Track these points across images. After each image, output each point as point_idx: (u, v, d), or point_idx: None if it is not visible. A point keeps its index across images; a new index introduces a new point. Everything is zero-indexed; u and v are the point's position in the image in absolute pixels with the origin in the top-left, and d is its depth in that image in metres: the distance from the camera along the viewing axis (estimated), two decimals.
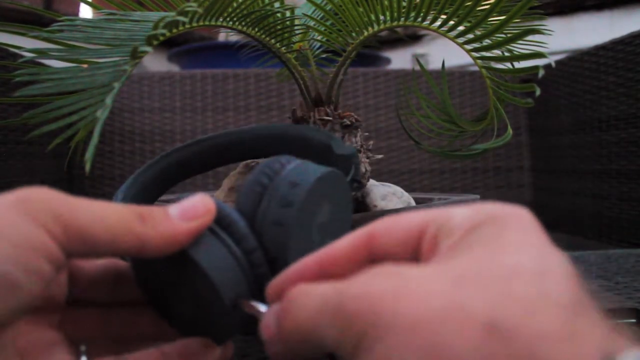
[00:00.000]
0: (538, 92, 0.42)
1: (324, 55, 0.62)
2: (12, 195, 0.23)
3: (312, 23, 0.57)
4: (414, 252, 0.23)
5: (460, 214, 0.22)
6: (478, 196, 0.59)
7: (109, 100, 0.31)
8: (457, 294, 0.19)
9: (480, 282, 0.19)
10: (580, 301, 0.19)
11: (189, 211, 0.25)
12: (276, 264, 0.28)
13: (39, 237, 0.22)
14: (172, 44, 1.69)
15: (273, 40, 0.54)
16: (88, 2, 0.52)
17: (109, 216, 0.24)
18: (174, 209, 0.26)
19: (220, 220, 0.28)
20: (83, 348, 0.27)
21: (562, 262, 0.20)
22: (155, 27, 0.36)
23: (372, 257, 0.23)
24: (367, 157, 0.55)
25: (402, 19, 0.49)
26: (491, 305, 0.18)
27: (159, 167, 0.48)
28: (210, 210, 0.26)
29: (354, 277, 0.21)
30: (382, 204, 0.54)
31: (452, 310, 0.18)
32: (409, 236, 0.23)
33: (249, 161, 0.54)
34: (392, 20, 0.50)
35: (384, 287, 0.19)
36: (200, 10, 0.40)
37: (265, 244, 0.29)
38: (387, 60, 1.65)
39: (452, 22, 0.47)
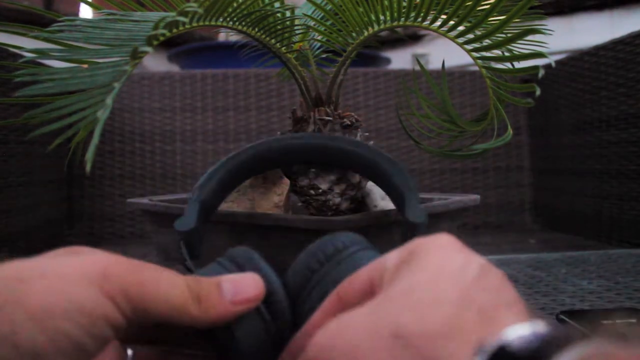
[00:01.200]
0: (538, 92, 0.42)
1: (324, 55, 0.62)
2: (90, 263, 0.25)
3: (312, 23, 0.57)
4: (369, 294, 0.26)
5: (392, 257, 0.26)
6: (478, 196, 0.59)
7: (109, 100, 0.31)
8: (372, 317, 0.23)
9: (390, 302, 0.23)
10: (469, 297, 0.22)
11: (241, 294, 0.28)
12: None
13: (108, 310, 0.24)
14: (172, 44, 1.69)
15: (273, 40, 0.54)
16: (88, 2, 0.52)
17: (172, 298, 0.26)
18: (229, 288, 0.28)
19: (266, 297, 0.31)
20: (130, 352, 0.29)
21: (465, 265, 0.24)
22: (156, 27, 0.36)
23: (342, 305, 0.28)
24: None
25: (402, 19, 0.49)
26: (395, 318, 0.22)
27: (235, 162, 0.47)
28: (259, 295, 0.29)
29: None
30: (382, 204, 0.54)
31: (367, 330, 0.22)
32: (363, 288, 0.27)
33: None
34: (392, 20, 0.50)
35: (327, 330, 0.24)
36: (200, 10, 0.40)
37: (300, 324, 0.31)
38: (387, 60, 1.65)
39: (452, 22, 0.47)
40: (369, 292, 0.26)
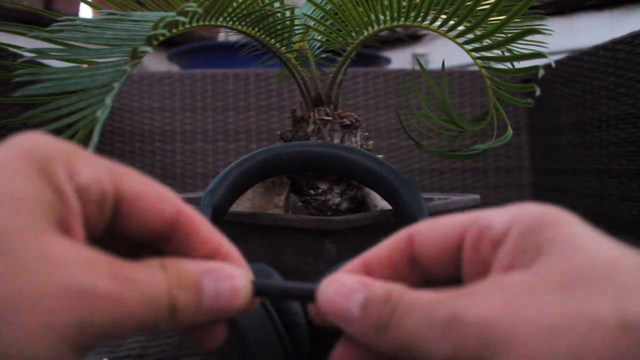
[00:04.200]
0: (538, 92, 0.42)
1: (324, 55, 0.62)
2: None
3: (312, 23, 0.57)
4: (455, 256, 0.23)
5: (501, 220, 0.22)
6: (478, 196, 0.59)
7: (109, 100, 0.31)
8: (573, 299, 0.18)
9: (586, 282, 0.19)
10: None
11: (221, 301, 0.22)
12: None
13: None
14: (172, 44, 1.69)
15: (273, 40, 0.54)
16: (88, 2, 0.52)
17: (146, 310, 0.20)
18: (210, 291, 0.22)
19: (286, 319, 0.31)
20: None
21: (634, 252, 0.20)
22: (155, 27, 0.36)
23: (413, 260, 0.23)
24: None
25: (402, 19, 0.49)
26: (615, 304, 0.18)
27: (248, 165, 0.47)
28: (240, 305, 0.23)
29: (462, 289, 0.20)
30: (382, 204, 0.54)
31: (577, 316, 0.18)
32: (448, 241, 0.23)
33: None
34: (392, 20, 0.50)
35: (499, 299, 0.19)
36: (200, 10, 0.40)
37: (319, 348, 0.32)
38: (387, 60, 1.65)
39: (452, 22, 0.47)
40: (457, 250, 0.22)
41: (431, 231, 0.23)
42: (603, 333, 0.17)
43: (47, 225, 0.19)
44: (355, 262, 0.24)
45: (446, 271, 0.23)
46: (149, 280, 0.20)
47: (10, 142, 0.20)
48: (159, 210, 0.22)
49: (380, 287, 0.22)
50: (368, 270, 0.24)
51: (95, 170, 0.21)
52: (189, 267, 0.22)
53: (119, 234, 0.22)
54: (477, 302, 0.19)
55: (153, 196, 0.22)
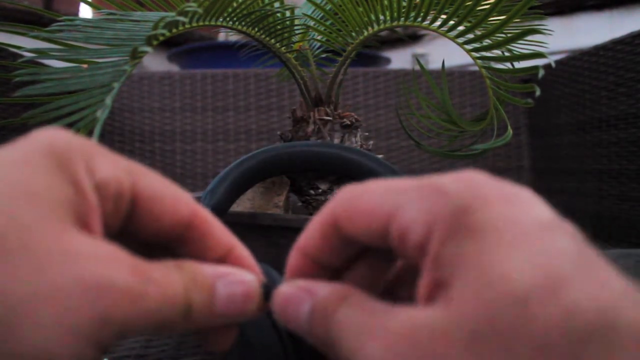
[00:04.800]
0: (538, 92, 0.42)
1: (324, 55, 0.62)
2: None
3: (312, 23, 0.57)
4: (385, 239, 0.20)
5: (421, 222, 0.19)
6: None
7: (108, 100, 0.31)
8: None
9: (493, 337, 0.16)
10: None
11: (234, 305, 0.22)
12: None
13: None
14: (172, 44, 1.69)
15: (273, 40, 0.54)
16: (88, 2, 0.52)
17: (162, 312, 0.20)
18: (222, 295, 0.22)
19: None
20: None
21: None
22: (155, 27, 0.36)
23: (344, 237, 0.22)
24: None
25: (402, 19, 0.49)
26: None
27: (247, 165, 0.47)
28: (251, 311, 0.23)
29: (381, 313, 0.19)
30: None
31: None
32: (373, 229, 0.20)
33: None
34: (392, 20, 0.50)
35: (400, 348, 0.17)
36: (200, 10, 0.40)
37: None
38: (387, 60, 1.65)
39: (452, 22, 0.47)
40: (385, 231, 0.20)
41: (353, 215, 0.21)
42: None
43: (66, 220, 0.18)
44: (295, 252, 0.24)
45: (384, 246, 0.21)
46: (166, 280, 0.20)
47: (31, 138, 0.20)
48: (174, 212, 0.22)
49: (322, 295, 0.21)
50: (309, 255, 0.23)
51: (114, 167, 0.21)
52: (204, 269, 0.22)
53: (133, 233, 0.22)
54: (376, 345, 0.18)
55: (169, 197, 0.22)
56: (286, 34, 0.54)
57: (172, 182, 0.23)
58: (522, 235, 0.17)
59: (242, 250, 0.25)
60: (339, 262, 0.23)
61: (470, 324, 0.16)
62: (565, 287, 0.16)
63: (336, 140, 0.54)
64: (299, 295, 0.22)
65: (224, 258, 0.24)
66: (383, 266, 0.24)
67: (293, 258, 0.24)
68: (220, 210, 0.43)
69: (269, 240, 0.49)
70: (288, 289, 0.22)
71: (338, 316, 0.20)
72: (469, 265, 0.17)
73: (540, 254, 0.16)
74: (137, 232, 0.22)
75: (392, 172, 0.46)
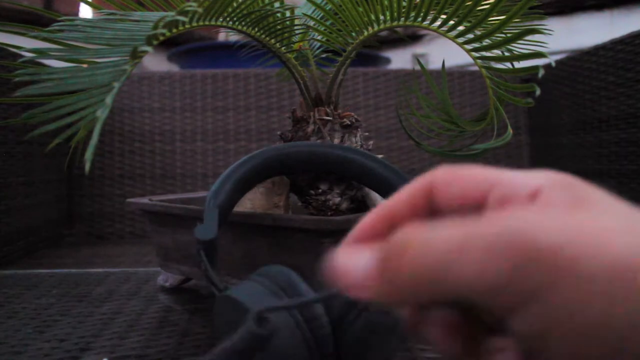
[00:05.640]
0: (538, 92, 0.42)
1: (324, 55, 0.62)
2: None
3: (312, 23, 0.57)
4: (474, 210, 0.21)
5: (531, 179, 0.20)
6: None
7: (109, 100, 0.31)
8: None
9: None
10: None
11: None
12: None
13: None
14: (172, 44, 1.69)
15: (273, 40, 0.54)
16: (88, 2, 0.52)
17: None
18: None
19: (310, 323, 0.31)
20: None
21: None
22: (155, 27, 0.35)
23: (431, 209, 0.22)
24: None
25: (402, 19, 0.49)
26: None
27: (251, 164, 0.47)
28: None
29: (498, 213, 0.18)
30: None
31: None
32: (470, 196, 0.21)
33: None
34: (392, 20, 0.50)
35: (569, 224, 0.17)
36: (200, 10, 0.40)
37: (342, 353, 0.32)
38: (387, 60, 1.65)
39: (452, 22, 0.47)
40: (480, 205, 0.21)
41: (452, 184, 0.21)
42: None
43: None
44: (376, 214, 0.23)
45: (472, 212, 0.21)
46: None
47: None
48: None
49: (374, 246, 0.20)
50: (390, 223, 0.23)
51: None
52: None
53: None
54: (543, 224, 0.17)
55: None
56: (286, 34, 0.54)
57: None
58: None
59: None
60: None
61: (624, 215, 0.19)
62: None
63: (336, 140, 0.54)
64: (354, 251, 0.22)
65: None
66: None
67: (370, 218, 0.23)
68: (225, 211, 0.43)
69: (269, 240, 0.49)
70: (341, 254, 0.23)
71: (420, 232, 0.19)
72: (597, 198, 0.19)
73: None
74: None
75: (397, 175, 0.46)
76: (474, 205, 0.21)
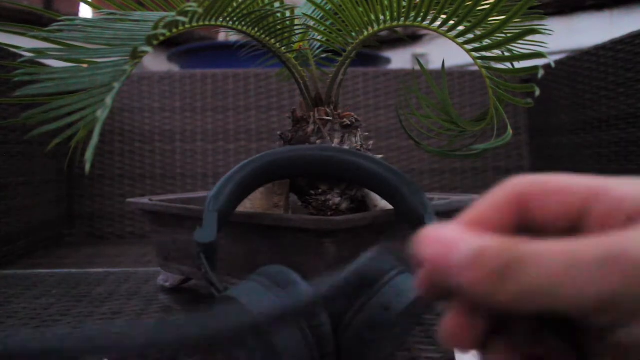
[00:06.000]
0: (538, 92, 0.42)
1: (324, 55, 0.62)
2: None
3: (312, 23, 0.57)
4: (573, 225, 0.20)
5: (635, 192, 0.19)
6: (478, 196, 0.59)
7: (109, 100, 0.31)
8: None
9: None
10: None
11: None
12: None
13: None
14: (172, 44, 1.69)
15: (273, 40, 0.54)
16: (88, 2, 0.52)
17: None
18: None
19: (310, 321, 0.31)
20: None
21: None
22: (155, 27, 0.35)
23: (517, 222, 0.21)
24: None
25: (402, 19, 0.49)
26: None
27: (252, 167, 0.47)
28: None
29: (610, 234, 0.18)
30: (382, 204, 0.54)
31: None
32: (567, 209, 0.20)
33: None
34: (392, 20, 0.50)
35: None
36: (200, 10, 0.40)
37: (343, 350, 0.32)
38: (387, 60, 1.65)
39: (452, 22, 0.47)
40: (577, 219, 0.20)
41: (547, 196, 0.21)
42: None
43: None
44: (463, 222, 0.22)
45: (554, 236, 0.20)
46: None
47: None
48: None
49: (491, 236, 0.20)
50: (475, 227, 0.22)
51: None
52: None
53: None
54: None
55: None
56: (286, 34, 0.54)
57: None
58: None
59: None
60: None
61: None
62: None
63: (336, 140, 0.54)
64: (460, 234, 0.21)
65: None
66: None
67: (458, 222, 0.22)
68: (225, 214, 0.43)
69: (269, 240, 0.49)
70: (445, 229, 0.21)
71: (530, 245, 0.19)
72: None
73: None
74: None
75: (394, 173, 0.46)
76: (575, 218, 0.20)
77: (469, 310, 0.20)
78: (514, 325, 0.21)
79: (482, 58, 0.48)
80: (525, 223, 0.21)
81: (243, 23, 0.50)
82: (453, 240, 0.20)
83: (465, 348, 0.21)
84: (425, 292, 0.21)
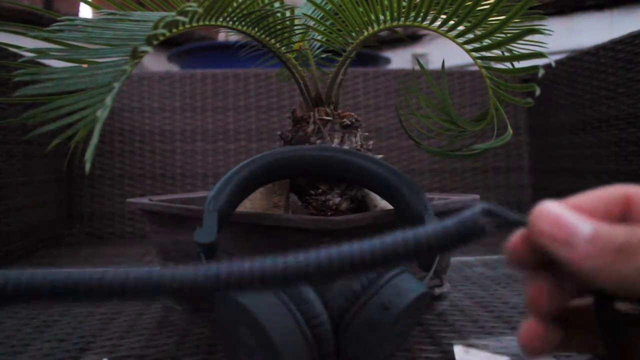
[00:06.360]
0: (538, 92, 0.42)
1: (324, 55, 0.62)
2: None
3: (312, 23, 0.57)
4: None
5: None
6: (478, 196, 0.59)
7: (109, 100, 0.31)
8: None
9: None
10: None
11: None
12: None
13: None
14: (172, 44, 1.69)
15: (273, 40, 0.54)
16: (88, 2, 0.52)
17: None
18: None
19: (309, 320, 0.31)
20: None
21: None
22: (155, 27, 0.35)
23: (619, 220, 0.22)
24: None
25: (402, 19, 0.49)
26: None
27: (251, 168, 0.47)
28: None
29: None
30: (382, 204, 0.54)
31: None
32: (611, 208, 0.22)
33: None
34: (392, 20, 0.50)
35: None
36: (200, 10, 0.40)
37: (343, 349, 0.32)
38: (387, 60, 1.65)
39: (452, 22, 0.47)
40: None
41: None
42: None
43: None
44: (565, 205, 0.23)
45: None
46: None
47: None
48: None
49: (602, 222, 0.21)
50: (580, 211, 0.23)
51: None
52: None
53: None
54: None
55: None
56: (286, 34, 0.54)
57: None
58: None
59: None
60: None
61: None
62: None
63: (336, 140, 0.54)
64: (576, 214, 0.22)
65: None
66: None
67: (560, 204, 0.23)
68: (225, 214, 0.43)
69: (269, 240, 0.49)
70: (562, 207, 0.23)
71: None
72: None
73: None
74: None
75: (394, 173, 0.46)
76: None
77: (556, 282, 0.22)
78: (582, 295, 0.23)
79: (482, 58, 0.48)
80: (624, 222, 0.22)
81: (243, 23, 0.50)
82: (572, 218, 0.21)
83: (542, 311, 0.23)
84: (514, 258, 0.23)
